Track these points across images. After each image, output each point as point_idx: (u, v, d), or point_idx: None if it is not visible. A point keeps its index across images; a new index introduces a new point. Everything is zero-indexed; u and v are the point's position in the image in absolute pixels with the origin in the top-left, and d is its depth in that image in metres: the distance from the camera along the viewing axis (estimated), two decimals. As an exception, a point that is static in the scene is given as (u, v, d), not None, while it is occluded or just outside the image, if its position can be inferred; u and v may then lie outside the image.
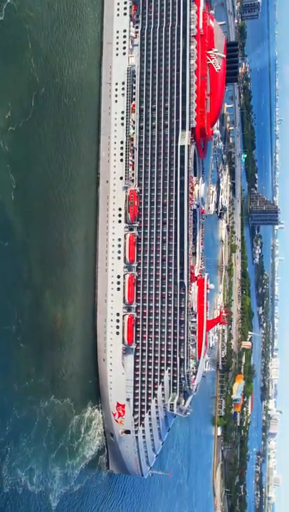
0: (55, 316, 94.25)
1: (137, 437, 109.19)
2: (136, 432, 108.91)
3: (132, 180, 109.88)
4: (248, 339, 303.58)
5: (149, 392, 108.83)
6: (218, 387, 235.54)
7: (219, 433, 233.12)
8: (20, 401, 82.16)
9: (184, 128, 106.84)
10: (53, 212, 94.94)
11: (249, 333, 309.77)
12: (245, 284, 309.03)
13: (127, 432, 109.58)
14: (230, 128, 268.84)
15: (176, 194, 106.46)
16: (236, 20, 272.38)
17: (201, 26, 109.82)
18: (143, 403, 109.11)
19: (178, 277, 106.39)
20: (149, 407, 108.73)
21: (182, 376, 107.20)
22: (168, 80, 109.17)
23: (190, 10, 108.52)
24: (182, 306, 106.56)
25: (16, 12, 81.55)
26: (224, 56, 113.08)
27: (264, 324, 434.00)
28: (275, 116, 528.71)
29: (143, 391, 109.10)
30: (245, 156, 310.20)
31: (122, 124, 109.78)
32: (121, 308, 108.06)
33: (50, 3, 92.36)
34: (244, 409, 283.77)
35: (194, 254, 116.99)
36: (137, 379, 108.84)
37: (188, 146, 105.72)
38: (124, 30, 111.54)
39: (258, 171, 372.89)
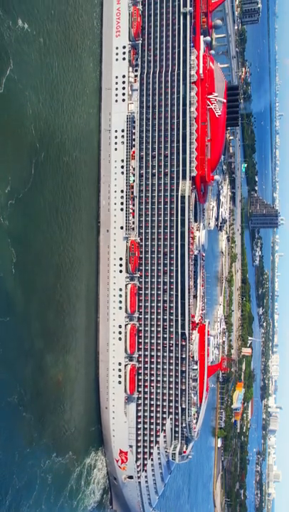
0: (57, 378, 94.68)
1: (139, 482, 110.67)
2: (138, 477, 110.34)
3: (133, 229, 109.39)
4: (248, 345, 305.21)
5: (152, 439, 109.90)
6: (218, 399, 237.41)
7: (219, 444, 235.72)
8: (21, 468, 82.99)
9: (184, 177, 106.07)
10: (53, 271, 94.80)
11: (249, 338, 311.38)
12: (246, 290, 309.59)
13: (130, 477, 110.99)
14: (230, 138, 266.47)
15: (177, 244, 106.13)
16: (236, 27, 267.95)
17: (201, 71, 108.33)
18: (145, 450, 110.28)
19: (179, 327, 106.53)
20: (151, 453, 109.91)
21: (184, 425, 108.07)
22: (168, 127, 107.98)
23: (190, 55, 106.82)
24: (183, 356, 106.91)
25: (16, 81, 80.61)
26: (225, 101, 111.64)
27: (264, 324, 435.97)
28: (275, 112, 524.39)
29: (145, 438, 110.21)
30: (246, 165, 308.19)
31: (122, 173, 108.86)
32: (123, 358, 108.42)
33: (50, 63, 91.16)
34: (244, 415, 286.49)
35: (195, 297, 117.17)
36: (139, 426, 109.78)
37: (189, 196, 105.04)
38: (124, 76, 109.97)
39: (258, 173, 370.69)
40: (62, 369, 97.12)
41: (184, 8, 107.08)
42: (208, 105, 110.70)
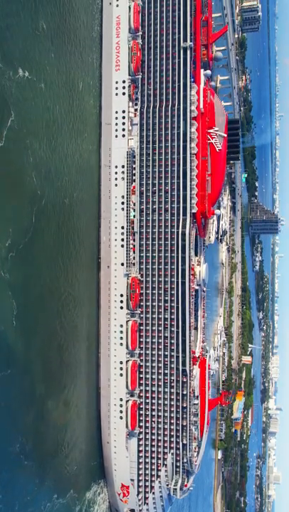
0: (58, 420, 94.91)
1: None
2: (140, 510, 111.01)
3: (134, 264, 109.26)
4: (248, 352, 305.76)
5: (153, 473, 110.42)
6: (218, 411, 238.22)
7: (220, 456, 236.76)
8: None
9: (184, 214, 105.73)
10: (54, 312, 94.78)
11: (249, 345, 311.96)
12: (246, 298, 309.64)
13: (132, 510, 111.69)
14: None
15: (178, 281, 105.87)
16: (236, 35, 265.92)
17: (201, 105, 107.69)
18: (147, 484, 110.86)
19: (180, 364, 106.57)
20: (152, 487, 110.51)
21: (185, 460, 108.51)
22: (168, 162, 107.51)
23: (190, 90, 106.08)
24: (184, 392, 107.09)
25: (17, 131, 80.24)
26: (225, 135, 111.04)
27: (264, 327, 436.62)
28: (275, 113, 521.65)
29: (147, 472, 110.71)
30: (246, 175, 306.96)
31: (123, 209, 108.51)
32: (124, 394, 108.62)
33: (50, 106, 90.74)
34: (244, 423, 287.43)
35: (196, 328, 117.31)
36: (140, 460, 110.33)
37: (189, 233, 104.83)
38: (123, 111, 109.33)
39: (258, 179, 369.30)
40: (64, 410, 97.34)
41: (184, 43, 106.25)
42: (209, 139, 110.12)
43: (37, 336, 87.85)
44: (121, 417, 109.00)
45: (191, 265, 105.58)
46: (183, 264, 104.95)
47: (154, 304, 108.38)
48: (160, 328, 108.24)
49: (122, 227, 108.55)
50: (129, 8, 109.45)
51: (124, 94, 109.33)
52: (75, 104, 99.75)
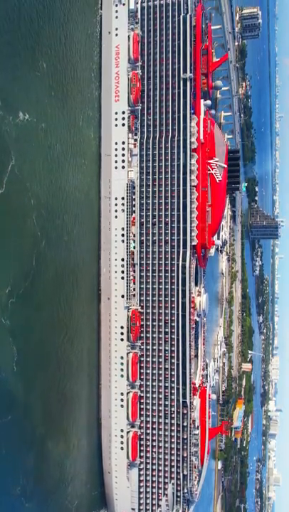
0: (59, 457, 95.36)
1: None
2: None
3: (134, 295, 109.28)
4: (248, 359, 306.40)
5: (154, 502, 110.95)
6: (218, 421, 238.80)
7: (220, 467, 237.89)
8: None
9: (184, 246, 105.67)
10: (55, 349, 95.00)
11: (249, 352, 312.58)
12: (246, 305, 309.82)
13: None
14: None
15: (178, 313, 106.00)
16: (237, 43, 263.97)
17: (201, 136, 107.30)
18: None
19: (180, 395, 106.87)
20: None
21: (185, 490, 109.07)
22: (168, 194, 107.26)
23: (190, 121, 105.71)
24: (184, 424, 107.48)
25: (18, 174, 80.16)
26: (225, 166, 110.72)
27: (264, 330, 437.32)
28: (275, 114, 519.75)
29: (148, 501, 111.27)
30: (246, 184, 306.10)
31: (123, 241, 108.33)
32: (125, 425, 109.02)
33: (50, 144, 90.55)
34: (244, 430, 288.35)
35: (196, 356, 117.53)
36: (141, 490, 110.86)
37: (190, 266, 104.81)
38: (123, 142, 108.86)
39: (258, 184, 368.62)
40: (64, 445, 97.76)
41: (184, 74, 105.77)
42: (209, 170, 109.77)
43: (37, 378, 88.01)
44: (122, 448, 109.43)
45: (191, 298, 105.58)
46: (183, 297, 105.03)
47: (154, 335, 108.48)
48: (160, 360, 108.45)
49: (122, 259, 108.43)
50: (129, 37, 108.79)
51: (123, 125, 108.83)
52: (75, 139, 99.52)
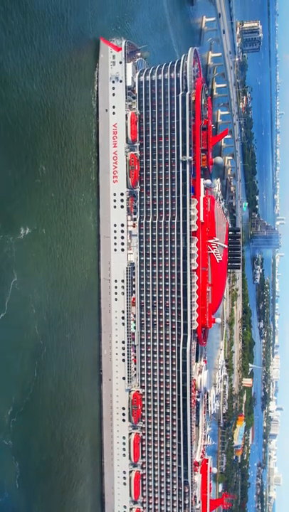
0: None
1: None
2: None
3: (135, 375, 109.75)
4: (248, 373, 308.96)
5: None
6: (219, 444, 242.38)
7: (220, 490, 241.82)
8: None
9: (185, 331, 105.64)
10: (57, 444, 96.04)
11: (250, 365, 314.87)
12: (246, 320, 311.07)
13: None
14: (232, 181, 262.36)
15: (179, 395, 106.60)
16: (237, 58, 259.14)
17: (202, 217, 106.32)
18: None
19: (182, 474, 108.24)
20: None
21: None
22: (168, 277, 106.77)
23: (190, 204, 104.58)
24: (186, 501, 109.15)
25: (19, 290, 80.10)
26: (226, 246, 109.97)
27: (265, 334, 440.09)
28: (275, 112, 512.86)
29: None
30: (247, 203, 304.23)
31: (123, 324, 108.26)
32: (128, 502, 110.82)
33: (51, 248, 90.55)
34: (245, 446, 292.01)
35: (197, 425, 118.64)
36: None
37: (190, 351, 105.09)
38: (122, 225, 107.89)
39: (258, 192, 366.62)
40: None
41: (183, 157, 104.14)
42: (210, 250, 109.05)
43: (39, 484, 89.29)
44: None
45: (192, 381, 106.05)
46: (184, 381, 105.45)
47: (155, 415, 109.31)
48: (162, 440, 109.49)
49: (123, 342, 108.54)
50: (126, 116, 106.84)
51: (122, 207, 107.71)
52: (75, 232, 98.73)
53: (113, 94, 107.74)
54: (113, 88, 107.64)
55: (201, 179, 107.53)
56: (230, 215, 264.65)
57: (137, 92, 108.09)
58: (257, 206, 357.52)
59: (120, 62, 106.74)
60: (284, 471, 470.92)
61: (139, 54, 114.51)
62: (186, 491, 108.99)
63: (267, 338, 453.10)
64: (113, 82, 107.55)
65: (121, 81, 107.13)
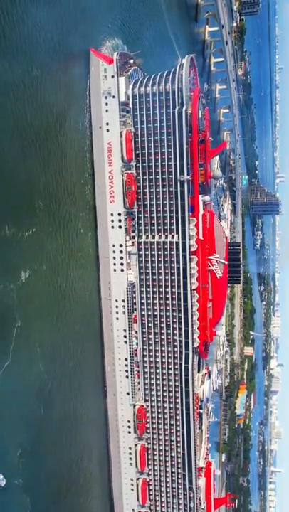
0: None
1: None
2: None
3: (139, 389, 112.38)
4: (249, 341, 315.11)
5: None
6: (221, 416, 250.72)
7: (223, 459, 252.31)
8: None
9: (187, 348, 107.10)
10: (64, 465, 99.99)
11: (250, 333, 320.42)
12: (247, 290, 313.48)
13: None
14: (232, 157, 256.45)
15: (182, 408, 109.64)
16: (235, 23, 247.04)
17: (201, 235, 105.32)
18: None
19: (186, 480, 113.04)
20: None
21: None
22: (169, 295, 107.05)
23: (189, 224, 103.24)
24: (191, 505, 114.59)
25: (23, 334, 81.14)
26: (226, 263, 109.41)
27: (265, 297, 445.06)
28: (275, 66, 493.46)
29: None
30: (246, 177, 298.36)
31: (125, 342, 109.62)
32: (136, 506, 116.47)
33: (53, 283, 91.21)
34: (247, 412, 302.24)
35: (200, 428, 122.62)
36: None
37: (192, 367, 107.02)
38: (121, 245, 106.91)
39: (258, 158, 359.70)
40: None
41: (181, 176, 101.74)
42: (210, 266, 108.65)
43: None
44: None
45: (195, 396, 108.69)
46: (187, 396, 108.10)
47: (160, 426, 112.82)
48: (167, 449, 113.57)
49: (126, 359, 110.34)
50: (121, 134, 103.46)
51: (120, 227, 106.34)
52: (74, 260, 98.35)
53: (106, 111, 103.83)
54: (106, 104, 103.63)
55: (200, 196, 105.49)
56: (229, 189, 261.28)
57: (131, 106, 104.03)
58: (257, 171, 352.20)
59: (112, 76, 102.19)
60: (285, 425, 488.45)
61: (132, 61, 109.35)
62: (191, 495, 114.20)
63: (267, 300, 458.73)
64: (106, 97, 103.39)
65: (114, 96, 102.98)
